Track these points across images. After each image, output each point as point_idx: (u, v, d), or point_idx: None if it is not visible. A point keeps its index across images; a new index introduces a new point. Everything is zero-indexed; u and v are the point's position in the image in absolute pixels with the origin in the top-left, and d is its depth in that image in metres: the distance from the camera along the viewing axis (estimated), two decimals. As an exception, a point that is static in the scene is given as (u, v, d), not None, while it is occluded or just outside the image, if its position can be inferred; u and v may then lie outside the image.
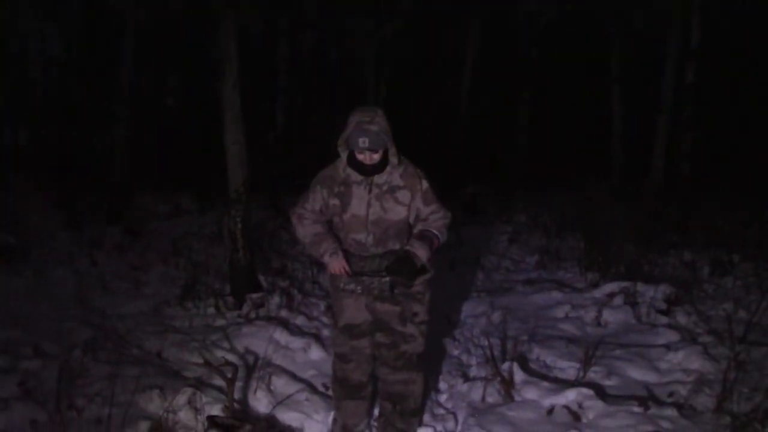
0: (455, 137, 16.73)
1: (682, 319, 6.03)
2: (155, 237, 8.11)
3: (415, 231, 3.95)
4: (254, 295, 6.23)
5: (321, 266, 7.37)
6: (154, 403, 4.24)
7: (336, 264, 3.94)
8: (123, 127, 12.15)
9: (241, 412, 4.24)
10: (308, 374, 5.07)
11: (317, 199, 4.03)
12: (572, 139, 17.14)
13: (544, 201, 11.24)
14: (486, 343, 5.27)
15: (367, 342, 4.17)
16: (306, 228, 4.05)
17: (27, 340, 4.86)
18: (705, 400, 4.48)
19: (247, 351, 5.19)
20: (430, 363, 4.38)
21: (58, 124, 13.81)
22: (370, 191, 3.91)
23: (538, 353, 5.41)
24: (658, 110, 13.15)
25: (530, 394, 4.67)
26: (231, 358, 5.02)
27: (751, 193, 10.35)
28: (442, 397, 4.91)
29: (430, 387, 4.58)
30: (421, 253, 3.81)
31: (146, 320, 5.72)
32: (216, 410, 4.18)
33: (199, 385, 4.47)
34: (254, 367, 4.88)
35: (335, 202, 3.96)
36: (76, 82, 14.54)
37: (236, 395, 4.47)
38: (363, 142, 3.74)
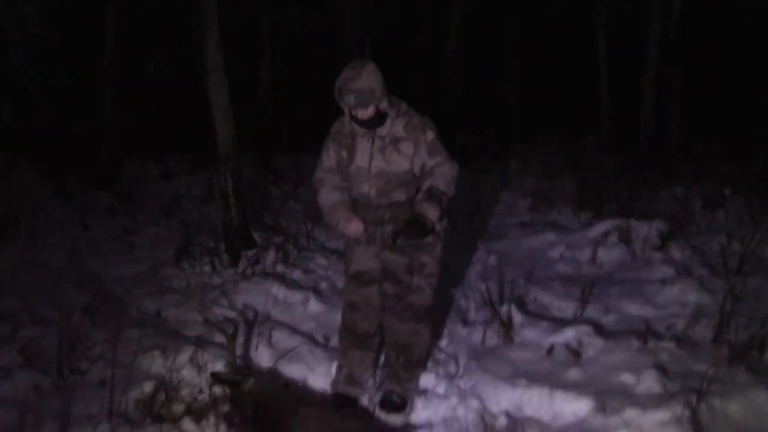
0: (444, 91, 16.58)
1: (676, 253, 6.07)
2: (146, 200, 8.07)
3: (423, 188, 3.91)
4: (249, 252, 6.22)
5: (316, 220, 7.37)
6: (156, 363, 4.24)
7: (351, 229, 3.98)
8: (108, 101, 11.95)
9: (244, 368, 4.25)
10: (308, 327, 5.08)
11: (330, 156, 4.05)
12: (562, 94, 17.02)
13: (535, 151, 11.21)
14: (483, 287, 5.29)
15: (375, 291, 4.18)
16: (323, 196, 4.10)
17: (24, 308, 4.84)
18: (702, 332, 4.53)
19: (246, 307, 5.20)
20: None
21: (43, 103, 13.57)
22: (372, 143, 3.88)
23: (536, 295, 5.44)
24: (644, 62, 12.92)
25: (529, 335, 4.71)
26: (230, 315, 5.04)
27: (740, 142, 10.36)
28: (443, 342, 4.94)
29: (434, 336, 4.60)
30: (432, 213, 3.78)
31: (142, 282, 5.70)
32: (218, 367, 4.18)
33: (200, 343, 4.48)
34: (254, 323, 4.88)
35: (343, 154, 3.97)
36: (58, 60, 14.29)
37: (237, 351, 4.48)
38: (348, 100, 3.72)
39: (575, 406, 3.81)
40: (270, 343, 4.69)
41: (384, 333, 4.27)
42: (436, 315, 5.06)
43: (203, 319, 4.96)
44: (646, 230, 6.46)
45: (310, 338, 4.88)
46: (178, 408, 3.85)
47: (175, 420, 3.70)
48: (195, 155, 9.75)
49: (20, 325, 4.63)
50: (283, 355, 4.56)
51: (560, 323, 4.77)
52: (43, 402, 3.87)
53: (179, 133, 11.66)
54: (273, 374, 4.31)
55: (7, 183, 7.62)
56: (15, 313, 4.75)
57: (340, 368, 4.36)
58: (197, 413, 3.78)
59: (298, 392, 4.18)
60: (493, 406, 3.97)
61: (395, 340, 4.22)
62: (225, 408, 3.82)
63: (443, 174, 3.89)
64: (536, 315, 4.98)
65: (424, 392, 4.29)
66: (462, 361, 4.58)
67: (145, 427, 3.59)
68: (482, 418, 3.88)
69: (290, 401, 3.76)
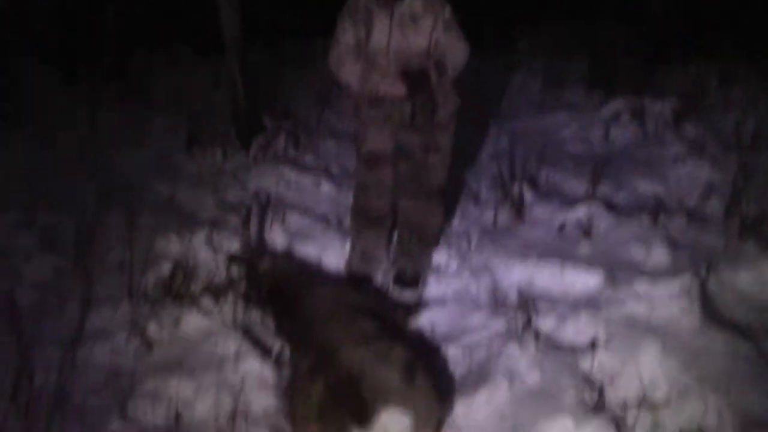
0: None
1: (690, 131, 6.01)
2: (155, 90, 7.95)
3: (431, 61, 3.88)
4: (259, 138, 6.20)
5: (326, 104, 7.31)
6: (172, 246, 4.30)
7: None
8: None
9: (259, 249, 4.32)
10: (321, 209, 5.12)
11: (347, 33, 3.94)
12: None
13: (544, 29, 10.88)
14: (495, 167, 5.29)
15: (388, 171, 4.16)
16: (347, 69, 3.99)
17: (39, 196, 4.87)
18: (714, 207, 4.56)
19: (258, 190, 5.22)
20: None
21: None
22: (391, 20, 3.79)
23: (547, 174, 5.43)
24: None
25: (541, 213, 4.75)
26: (243, 198, 5.07)
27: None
28: (455, 221, 4.97)
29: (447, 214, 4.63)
30: (432, 74, 3.80)
31: (154, 170, 5.69)
32: (233, 248, 4.25)
33: (215, 225, 4.53)
34: (267, 205, 4.92)
35: (361, 32, 3.88)
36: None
37: (252, 233, 4.55)
38: None
39: (585, 280, 3.88)
40: (283, 225, 4.74)
41: (397, 213, 4.30)
42: (449, 195, 5.10)
43: (216, 203, 5.01)
44: (659, 108, 6.38)
45: (323, 219, 4.93)
46: (197, 287, 3.93)
47: (194, 299, 3.78)
48: (203, 42, 9.54)
49: (37, 213, 4.67)
50: (296, 235, 4.63)
51: (571, 201, 4.79)
52: (64, 284, 3.97)
53: (185, 20, 11.35)
54: (288, 254, 4.39)
55: (12, 73, 7.49)
56: (31, 202, 4.79)
57: (353, 247, 4.41)
58: (215, 292, 3.87)
59: (313, 271, 4.25)
60: (504, 282, 4.04)
61: (408, 219, 4.25)
62: (242, 287, 3.92)
63: (454, 54, 3.87)
64: (548, 194, 5.00)
65: (436, 269, 4.36)
66: (474, 238, 4.63)
67: (165, 305, 3.68)
68: (493, 293, 3.96)
69: (305, 280, 3.84)
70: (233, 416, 2.94)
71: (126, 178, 5.52)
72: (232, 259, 3.98)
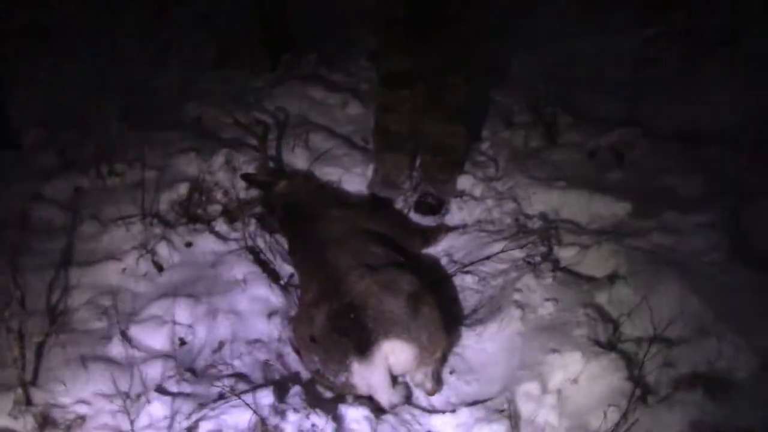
0: None
1: (732, 57, 5.60)
2: (182, 7, 7.76)
3: None
4: (288, 55, 6.03)
5: (359, 21, 7.05)
6: (191, 165, 4.26)
7: None
8: None
9: (277, 170, 4.24)
10: (346, 130, 4.99)
11: None
12: None
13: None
14: (528, 88, 5.07)
15: (409, 92, 4.00)
16: None
17: (62, 111, 4.85)
18: (755, 137, 4.28)
19: (283, 109, 5.09)
20: (471, 111, 4.22)
21: None
22: None
23: (583, 97, 5.15)
24: None
25: (573, 137, 4.54)
26: (267, 117, 4.96)
27: None
28: (484, 145, 4.78)
29: (471, 136, 4.46)
30: None
31: (180, 87, 5.61)
32: (252, 169, 4.18)
33: (236, 146, 4.44)
34: (291, 125, 4.81)
35: None
36: None
37: (274, 154, 4.47)
38: None
39: (613, 209, 3.71)
40: (307, 145, 4.63)
41: (419, 134, 4.16)
42: (479, 117, 4.92)
43: (235, 121, 4.91)
44: (702, 31, 5.95)
45: (347, 140, 4.81)
46: (212, 209, 3.89)
47: (209, 221, 3.74)
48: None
49: (58, 128, 4.65)
50: (318, 156, 4.53)
51: (606, 126, 4.56)
52: (83, 202, 3.96)
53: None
54: (307, 176, 4.30)
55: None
56: (53, 118, 4.77)
57: (375, 170, 4.30)
58: (231, 215, 3.82)
59: (331, 194, 4.16)
60: (528, 208, 3.91)
61: (431, 143, 4.11)
62: (257, 209, 3.86)
63: None
64: (582, 117, 4.74)
65: (460, 194, 4.22)
66: (501, 163, 4.46)
67: (179, 227, 3.64)
68: (516, 220, 3.83)
69: (321, 203, 3.76)
70: (233, 341, 2.91)
71: (152, 94, 5.46)
72: (246, 178, 3.90)
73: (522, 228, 3.74)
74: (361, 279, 2.83)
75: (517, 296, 3.09)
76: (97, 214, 3.80)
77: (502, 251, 3.50)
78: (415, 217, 4.10)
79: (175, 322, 3.00)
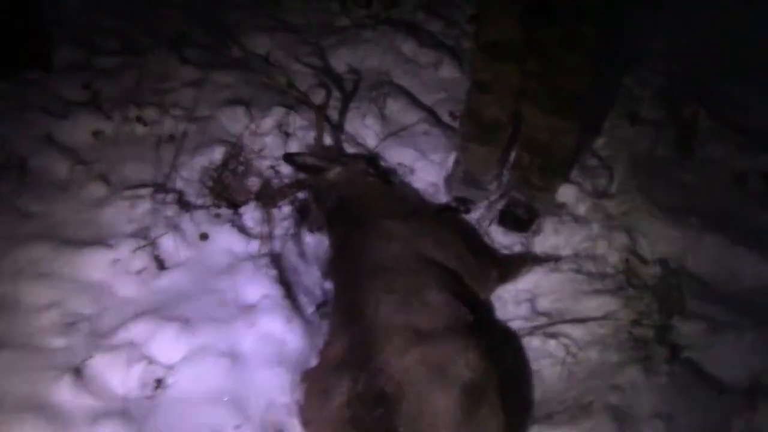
0: None
1: None
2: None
3: None
4: (385, -8, 5.13)
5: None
6: (237, 123, 3.49)
7: None
8: None
9: (335, 149, 3.44)
10: (434, 98, 4.11)
11: None
12: None
13: None
14: (664, 75, 4.06)
15: (513, 68, 3.07)
16: None
17: (108, 30, 4.11)
18: None
19: (364, 62, 4.25)
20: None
21: None
22: None
23: (735, 92, 4.04)
24: None
25: (717, 150, 3.57)
26: (342, 70, 4.14)
27: None
28: (599, 142, 3.84)
29: (586, 131, 3.52)
30: None
31: (255, 13, 4.77)
32: (310, 138, 3.39)
33: (298, 106, 3.60)
34: (368, 85, 3.98)
35: None
36: None
37: (342, 122, 3.67)
38: None
39: (760, 270, 2.78)
40: (382, 114, 3.81)
41: (520, 129, 3.26)
42: (597, 107, 3.95)
43: (312, 72, 4.09)
44: None
45: (431, 114, 3.94)
46: (249, 185, 3.13)
47: (239, 204, 2.99)
48: None
49: (97, 50, 3.92)
50: (393, 133, 3.70)
51: (761, 139, 3.55)
52: (97, 153, 3.26)
53: None
54: (372, 159, 3.48)
55: None
56: (96, 35, 4.03)
57: (457, 162, 3.45)
58: (269, 197, 3.05)
59: (398, 189, 3.31)
60: (644, 247, 3.00)
61: (532, 139, 3.19)
62: (298, 201, 3.08)
63: None
64: (731, 122, 3.73)
65: (559, 209, 3.33)
66: (619, 173, 3.52)
67: (195, 210, 2.89)
68: (626, 262, 2.93)
69: (382, 202, 2.95)
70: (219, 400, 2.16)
71: (221, 18, 4.66)
72: (288, 158, 3.09)
73: (632, 276, 2.85)
74: (404, 352, 2.04)
75: (613, 397, 2.24)
76: (107, 174, 3.09)
77: (604, 318, 2.62)
78: (497, 233, 3.25)
79: (150, 360, 2.25)
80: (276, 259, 2.68)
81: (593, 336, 2.59)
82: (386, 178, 3.29)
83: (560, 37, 2.86)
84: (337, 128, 3.64)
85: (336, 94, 3.82)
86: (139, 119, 3.41)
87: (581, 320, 2.63)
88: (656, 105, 4.00)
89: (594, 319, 2.62)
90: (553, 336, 2.60)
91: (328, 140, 3.42)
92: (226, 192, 3.05)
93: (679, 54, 4.46)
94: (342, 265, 2.64)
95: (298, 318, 2.46)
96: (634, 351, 2.43)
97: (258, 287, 2.51)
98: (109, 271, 2.59)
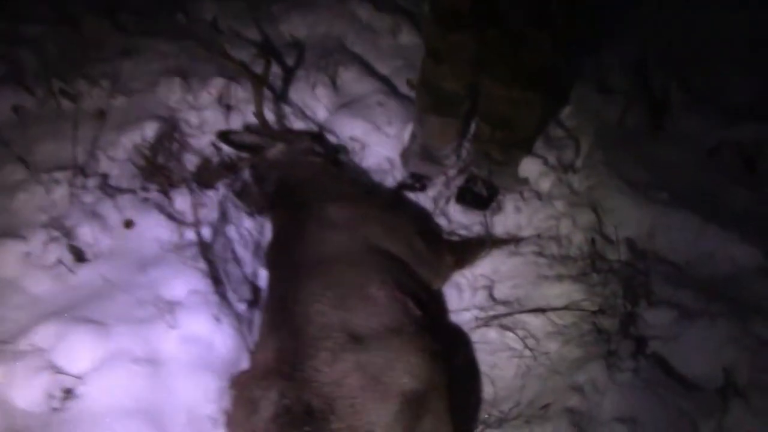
0: None
1: None
2: None
3: None
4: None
5: None
6: (174, 95, 3.22)
7: None
8: None
9: (277, 125, 3.17)
10: (390, 66, 3.84)
11: None
12: None
13: None
14: (636, 48, 3.82)
15: (472, 37, 2.82)
16: None
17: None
18: None
19: (315, 28, 3.97)
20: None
21: None
22: None
23: (707, 71, 3.82)
24: None
25: (689, 124, 3.32)
26: (292, 36, 3.86)
27: None
28: (564, 112, 3.60)
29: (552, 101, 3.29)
30: None
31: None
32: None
33: (238, 78, 3.32)
34: (319, 53, 3.70)
35: None
36: None
37: (290, 92, 3.41)
38: None
39: (733, 252, 2.57)
40: (333, 84, 3.55)
41: (479, 100, 3.01)
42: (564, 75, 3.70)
43: (255, 41, 3.81)
44: None
45: (387, 83, 3.68)
46: (186, 165, 2.87)
47: (172, 184, 2.72)
48: None
49: (23, 18, 3.60)
50: (345, 103, 3.44)
51: (735, 115, 3.33)
52: (16, 132, 2.98)
53: None
54: (319, 134, 3.22)
55: None
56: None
57: (413, 135, 3.21)
58: (207, 177, 2.80)
59: (346, 168, 3.07)
60: (611, 226, 2.78)
61: (492, 112, 2.96)
62: (239, 178, 2.82)
63: None
64: (703, 99, 3.49)
65: (520, 185, 3.10)
66: (585, 145, 3.28)
67: (120, 195, 2.62)
68: (592, 242, 2.72)
69: (328, 182, 2.71)
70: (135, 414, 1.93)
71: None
72: (224, 136, 2.84)
73: (597, 259, 2.63)
74: (336, 359, 1.81)
75: (573, 400, 2.03)
76: (26, 155, 2.81)
77: (566, 308, 2.40)
78: (455, 211, 3.03)
79: (58, 369, 2.00)
80: (207, 249, 2.42)
81: (553, 327, 2.38)
82: (333, 157, 3.03)
83: (524, 4, 2.62)
84: (283, 100, 3.38)
85: (283, 62, 3.56)
86: (64, 93, 3.12)
87: (541, 310, 2.42)
88: (627, 74, 3.76)
89: (555, 309, 2.40)
90: (511, 328, 2.39)
91: (270, 114, 3.15)
92: (158, 173, 2.78)
93: (657, 27, 4.22)
94: (279, 256, 2.40)
95: (229, 316, 2.22)
96: (597, 345, 2.22)
97: (185, 282, 2.26)
98: (20, 266, 2.32)
